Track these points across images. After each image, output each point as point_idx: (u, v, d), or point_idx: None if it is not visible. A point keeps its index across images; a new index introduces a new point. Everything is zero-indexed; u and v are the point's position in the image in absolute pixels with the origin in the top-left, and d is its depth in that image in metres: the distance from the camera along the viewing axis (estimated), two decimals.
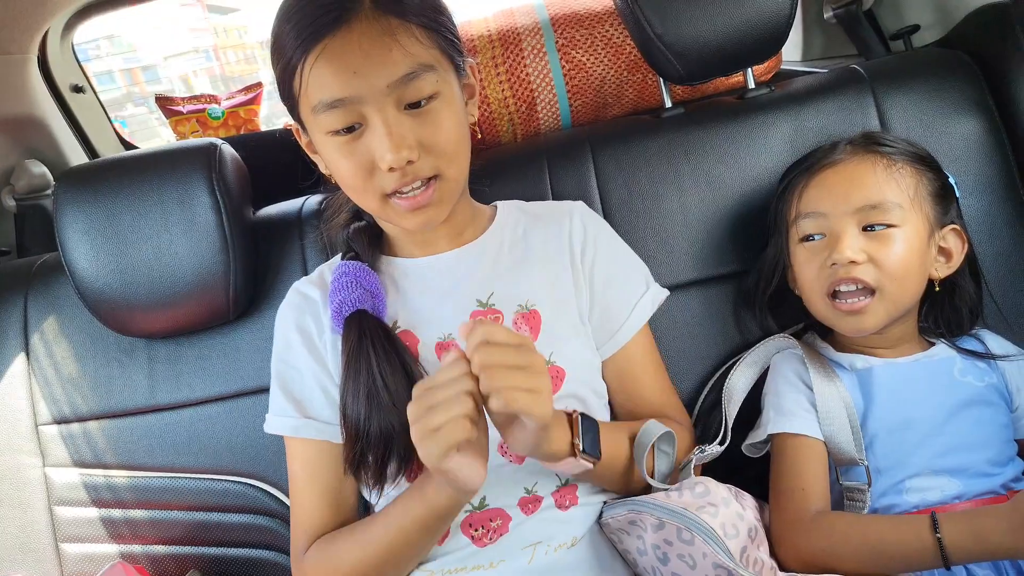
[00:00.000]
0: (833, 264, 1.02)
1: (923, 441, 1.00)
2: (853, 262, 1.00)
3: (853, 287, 1.02)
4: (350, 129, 0.90)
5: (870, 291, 1.01)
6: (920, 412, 1.02)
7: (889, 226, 1.01)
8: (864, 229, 1.02)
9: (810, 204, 1.07)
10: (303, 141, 1.02)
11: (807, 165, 1.11)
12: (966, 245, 1.06)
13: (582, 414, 0.89)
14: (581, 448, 0.87)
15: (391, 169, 0.89)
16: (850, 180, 1.04)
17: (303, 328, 1.04)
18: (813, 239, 1.07)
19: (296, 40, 0.88)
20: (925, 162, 1.06)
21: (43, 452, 1.28)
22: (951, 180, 1.08)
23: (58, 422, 1.28)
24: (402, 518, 0.92)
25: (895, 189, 1.02)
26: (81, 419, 1.28)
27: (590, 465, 0.88)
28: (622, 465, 0.98)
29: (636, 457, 0.97)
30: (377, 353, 0.94)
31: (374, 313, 0.98)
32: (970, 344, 1.09)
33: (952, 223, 1.06)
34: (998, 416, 1.03)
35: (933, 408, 1.02)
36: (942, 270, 1.06)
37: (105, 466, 1.27)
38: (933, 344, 1.08)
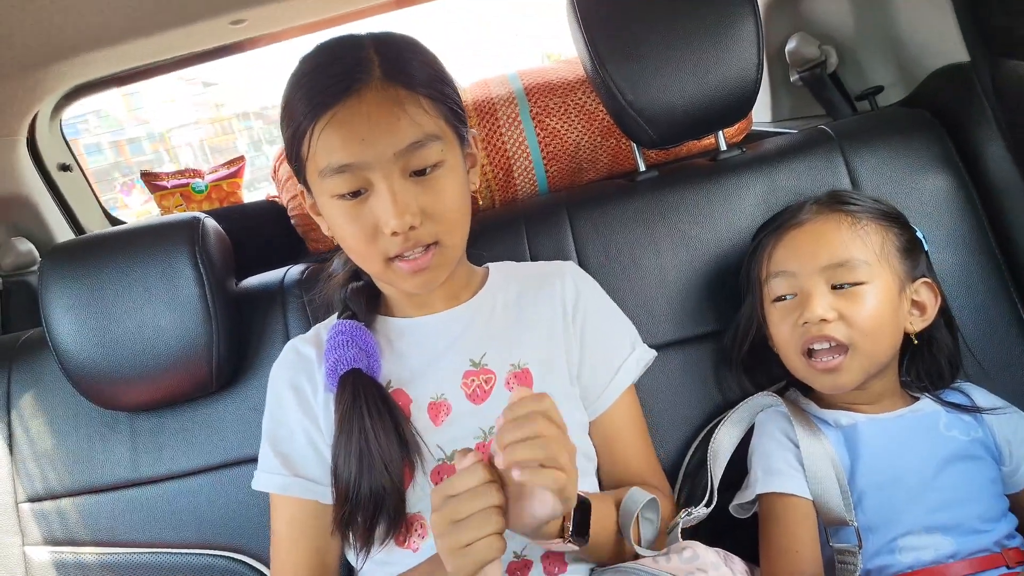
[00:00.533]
0: (805, 323, 1.03)
1: (913, 497, 1.00)
2: (824, 320, 1.01)
3: (826, 344, 1.02)
4: (356, 194, 0.92)
5: (843, 348, 1.02)
6: (907, 468, 1.01)
7: (857, 284, 1.02)
8: (833, 288, 1.03)
9: (779, 264, 1.08)
10: (307, 203, 1.04)
11: (775, 226, 1.13)
12: (939, 298, 1.07)
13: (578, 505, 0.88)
14: (571, 531, 0.86)
15: (394, 234, 0.91)
16: (816, 239, 1.06)
17: (297, 386, 1.04)
18: (785, 299, 1.08)
19: (307, 107, 0.91)
20: (891, 218, 1.08)
21: (23, 530, 1.26)
22: (918, 234, 1.10)
23: (38, 499, 1.26)
24: None
25: (860, 246, 1.03)
26: (62, 495, 1.26)
27: (576, 549, 0.87)
28: (610, 538, 0.97)
29: (622, 525, 0.96)
30: (371, 413, 0.94)
31: (369, 372, 0.99)
32: (955, 398, 1.09)
33: (923, 276, 1.07)
34: (986, 470, 1.02)
35: (920, 463, 1.01)
36: (917, 323, 1.06)
37: (85, 543, 1.25)
38: (917, 399, 1.08)
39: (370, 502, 0.92)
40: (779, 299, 1.09)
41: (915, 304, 1.07)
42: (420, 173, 0.93)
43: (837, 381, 1.03)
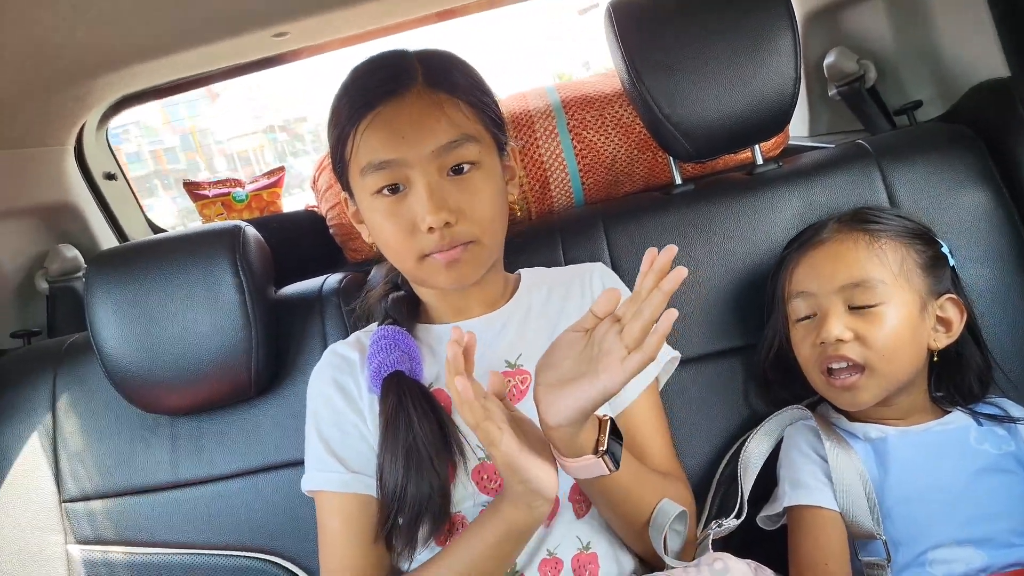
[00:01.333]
0: (822, 343, 1.03)
1: (943, 510, 0.99)
2: (840, 340, 1.01)
3: (844, 364, 1.03)
4: (395, 190, 0.96)
5: (860, 368, 1.02)
6: (937, 481, 1.01)
7: (876, 304, 1.02)
8: (850, 308, 1.03)
9: (799, 284, 1.09)
10: (349, 211, 1.07)
11: (798, 244, 1.14)
12: (965, 314, 1.06)
13: (614, 425, 0.89)
14: (605, 448, 0.86)
15: (430, 229, 0.94)
16: (834, 259, 1.06)
17: (342, 386, 1.06)
18: (805, 319, 1.08)
19: (351, 109, 0.97)
20: (914, 234, 1.08)
21: (65, 529, 1.29)
22: (944, 249, 1.09)
23: (81, 499, 1.29)
24: (475, 545, 0.91)
25: (878, 266, 1.03)
26: (104, 496, 1.29)
27: (607, 471, 0.86)
28: (636, 496, 0.96)
29: (652, 537, 0.96)
30: (416, 412, 0.96)
31: (411, 375, 1.00)
32: (988, 411, 1.08)
33: (948, 292, 1.07)
34: (1018, 484, 1.01)
35: (950, 476, 1.01)
36: (942, 340, 1.06)
37: (126, 543, 1.28)
38: (948, 412, 1.08)
39: (416, 502, 0.93)
40: (800, 319, 1.09)
41: (940, 320, 1.06)
42: (458, 172, 0.96)
43: (855, 399, 1.04)
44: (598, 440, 0.86)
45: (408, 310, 1.09)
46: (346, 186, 1.04)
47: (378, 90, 0.96)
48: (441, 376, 1.04)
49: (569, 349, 0.83)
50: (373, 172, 0.96)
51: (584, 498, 1.01)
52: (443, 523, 0.96)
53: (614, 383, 0.78)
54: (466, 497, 0.99)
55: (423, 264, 0.98)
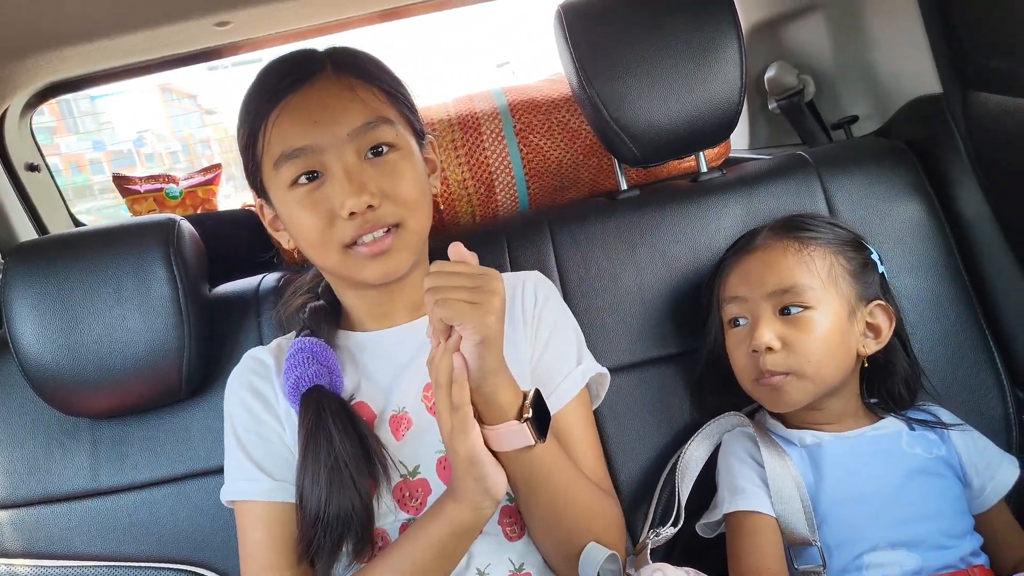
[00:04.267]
0: (754, 351, 1.05)
1: (876, 513, 1.01)
2: (769, 348, 1.03)
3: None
4: (311, 178, 0.92)
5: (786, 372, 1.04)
6: (869, 484, 1.02)
7: (804, 308, 1.04)
8: (781, 312, 1.05)
9: (732, 289, 1.11)
10: (267, 218, 1.04)
11: (734, 250, 1.16)
12: (894, 320, 1.09)
13: (539, 396, 0.88)
14: (531, 415, 0.85)
15: (351, 215, 0.91)
16: (765, 265, 1.08)
17: (259, 392, 1.02)
18: (739, 323, 1.10)
19: (259, 103, 0.94)
20: (844, 241, 1.10)
21: None
22: (873, 256, 1.12)
23: None
24: (418, 546, 0.89)
25: (806, 272, 1.05)
26: (16, 505, 1.22)
27: (531, 440, 0.85)
28: (563, 486, 0.94)
29: None
30: (337, 428, 0.93)
31: (331, 389, 0.97)
32: (920, 417, 1.10)
33: (877, 298, 1.09)
34: (949, 488, 1.04)
35: (882, 479, 1.03)
36: (870, 346, 1.08)
37: (36, 555, 1.21)
38: (882, 418, 1.10)
39: (338, 521, 0.90)
40: (733, 323, 1.11)
41: (870, 326, 1.08)
42: (377, 154, 0.94)
43: (784, 399, 1.05)
44: (522, 407, 0.85)
45: (327, 318, 1.06)
46: (260, 190, 1.00)
47: (285, 81, 0.94)
48: (362, 387, 1.02)
49: None
50: (287, 162, 0.92)
51: (516, 519, 0.99)
52: (367, 541, 0.93)
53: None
54: (387, 513, 0.96)
55: (347, 258, 0.95)
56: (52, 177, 1.85)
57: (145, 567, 1.21)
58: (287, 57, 0.99)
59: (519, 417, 0.85)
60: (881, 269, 1.12)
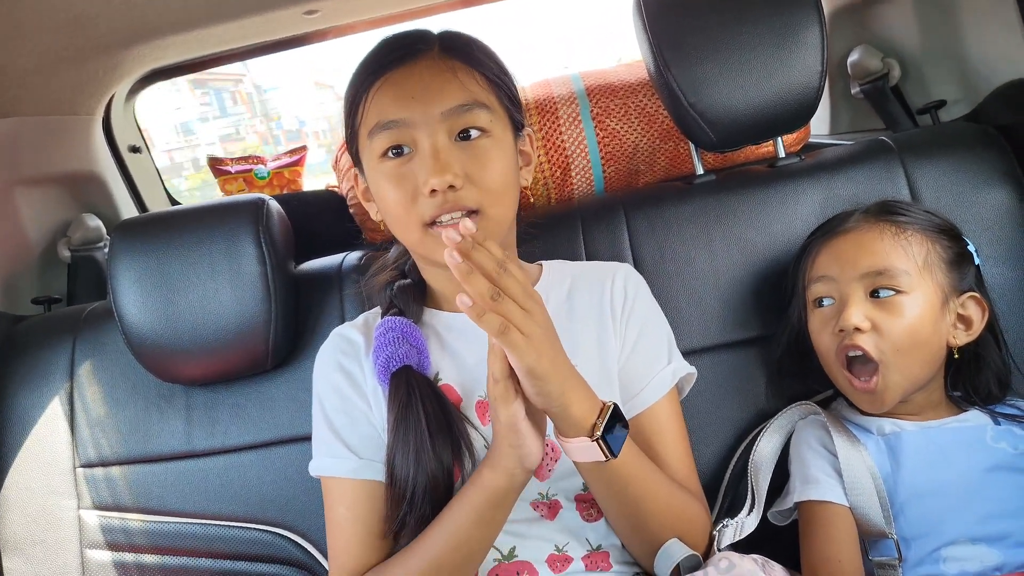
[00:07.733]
0: (841, 330, 1.03)
1: (957, 507, 0.98)
2: (858, 328, 1.01)
3: (859, 352, 1.02)
4: (399, 152, 0.95)
5: (874, 364, 1.01)
6: (950, 477, 1.00)
7: (897, 292, 1.01)
8: (872, 295, 1.03)
9: (821, 269, 1.09)
10: (359, 188, 1.06)
11: (822, 232, 1.14)
12: (987, 313, 1.06)
13: (617, 411, 0.87)
14: (600, 434, 0.84)
15: (432, 192, 0.92)
16: (858, 246, 1.06)
17: (347, 371, 1.04)
18: (824, 303, 1.08)
19: (365, 74, 0.97)
20: (940, 230, 1.08)
21: (79, 494, 1.30)
22: (970, 247, 1.09)
23: (95, 465, 1.30)
24: (457, 515, 0.91)
25: (902, 256, 1.03)
26: (118, 463, 1.30)
27: (602, 457, 0.85)
28: (639, 485, 0.94)
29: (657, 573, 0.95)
30: (427, 411, 0.94)
31: (419, 370, 0.99)
32: (1008, 411, 1.07)
33: (971, 290, 1.06)
34: None
35: (962, 473, 1.00)
36: (961, 338, 1.05)
37: (138, 510, 1.29)
38: (965, 411, 1.07)
39: (424, 500, 0.93)
40: (818, 303, 1.09)
41: (961, 318, 1.05)
42: (466, 138, 0.94)
43: (878, 401, 1.03)
44: (594, 425, 0.85)
45: (415, 297, 1.07)
46: (356, 159, 1.03)
47: (392, 55, 0.96)
48: (446, 368, 1.03)
49: None
50: (380, 133, 0.94)
51: (593, 504, 1.00)
52: None
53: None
54: None
55: (427, 236, 0.95)
56: (152, 158, 1.95)
57: (233, 526, 1.27)
58: (400, 34, 1.00)
59: (591, 434, 0.85)
60: (978, 261, 1.09)
